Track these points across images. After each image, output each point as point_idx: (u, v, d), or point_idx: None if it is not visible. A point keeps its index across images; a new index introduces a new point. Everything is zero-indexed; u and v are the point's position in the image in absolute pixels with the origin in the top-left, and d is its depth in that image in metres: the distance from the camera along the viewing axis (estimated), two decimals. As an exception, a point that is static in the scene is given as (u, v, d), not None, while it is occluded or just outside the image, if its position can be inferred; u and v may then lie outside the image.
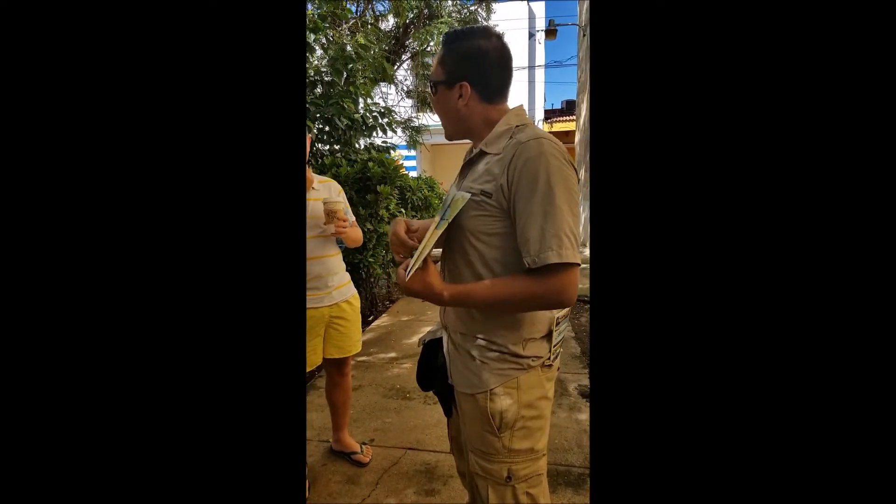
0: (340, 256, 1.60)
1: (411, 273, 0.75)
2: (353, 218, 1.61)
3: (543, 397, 0.85)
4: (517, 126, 0.82)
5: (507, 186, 0.75)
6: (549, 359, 0.84)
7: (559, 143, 0.77)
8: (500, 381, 0.81)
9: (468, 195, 0.77)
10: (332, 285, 1.53)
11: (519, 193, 0.74)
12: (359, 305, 1.66)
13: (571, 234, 0.71)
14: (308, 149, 1.53)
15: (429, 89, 0.89)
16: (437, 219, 0.77)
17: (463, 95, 0.84)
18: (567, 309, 0.85)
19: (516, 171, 0.74)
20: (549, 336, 0.84)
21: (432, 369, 0.96)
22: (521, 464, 0.83)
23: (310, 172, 1.54)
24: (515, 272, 0.77)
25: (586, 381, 2.30)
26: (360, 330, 1.66)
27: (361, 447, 1.73)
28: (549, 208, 0.71)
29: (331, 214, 1.41)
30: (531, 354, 0.82)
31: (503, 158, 0.77)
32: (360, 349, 1.66)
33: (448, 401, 0.96)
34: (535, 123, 0.92)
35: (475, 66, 0.83)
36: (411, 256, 0.79)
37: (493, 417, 0.82)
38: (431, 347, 0.98)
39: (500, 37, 0.85)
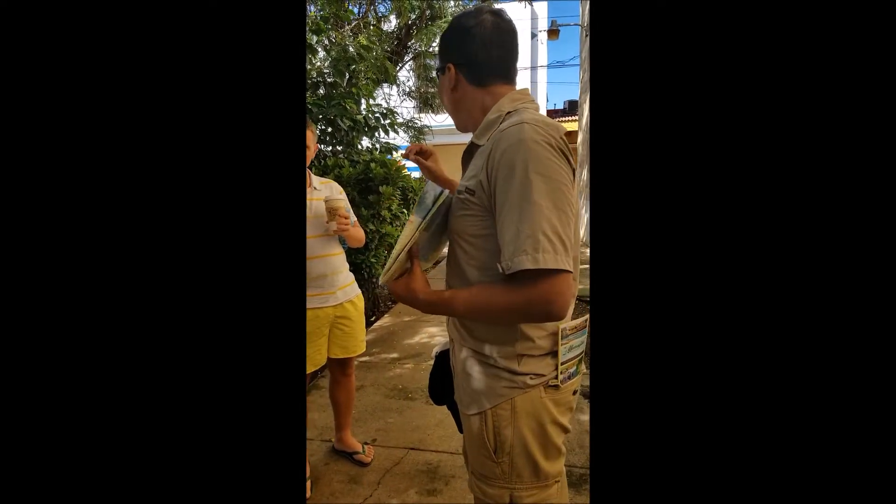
0: (344, 256, 1.61)
1: (388, 274, 0.71)
2: (355, 218, 1.62)
3: (550, 422, 0.73)
4: (508, 112, 0.72)
5: (488, 181, 0.66)
6: (554, 378, 0.73)
7: (552, 127, 0.66)
8: (493, 401, 0.73)
9: (447, 192, 0.71)
10: (337, 285, 1.54)
11: (497, 188, 0.64)
12: (363, 306, 1.66)
13: (554, 235, 0.60)
14: (314, 152, 1.55)
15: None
16: (416, 219, 0.70)
17: (450, 79, 0.77)
18: (581, 319, 0.76)
19: (495, 162, 0.65)
20: (552, 352, 0.73)
21: (444, 383, 0.89)
22: (524, 490, 0.74)
23: (310, 174, 1.56)
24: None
25: (588, 382, 2.30)
26: (365, 330, 1.67)
27: (363, 447, 1.74)
28: (524, 205, 0.61)
29: (332, 212, 1.43)
30: (528, 372, 0.71)
31: (487, 150, 0.68)
32: (364, 349, 1.66)
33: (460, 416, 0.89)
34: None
35: (458, 46, 0.76)
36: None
37: (488, 441, 0.74)
38: (444, 359, 0.91)
39: (494, 12, 0.77)
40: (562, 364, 0.73)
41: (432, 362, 0.95)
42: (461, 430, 0.92)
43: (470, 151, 0.78)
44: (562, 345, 0.73)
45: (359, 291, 1.66)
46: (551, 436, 0.74)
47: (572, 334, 0.74)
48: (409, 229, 0.70)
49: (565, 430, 0.76)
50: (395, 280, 0.74)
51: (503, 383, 0.72)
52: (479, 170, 0.69)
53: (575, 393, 0.77)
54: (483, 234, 0.70)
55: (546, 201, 0.61)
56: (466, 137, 0.83)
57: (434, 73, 0.94)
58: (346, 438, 1.75)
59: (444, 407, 0.94)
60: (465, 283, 0.74)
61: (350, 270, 1.65)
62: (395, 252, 0.69)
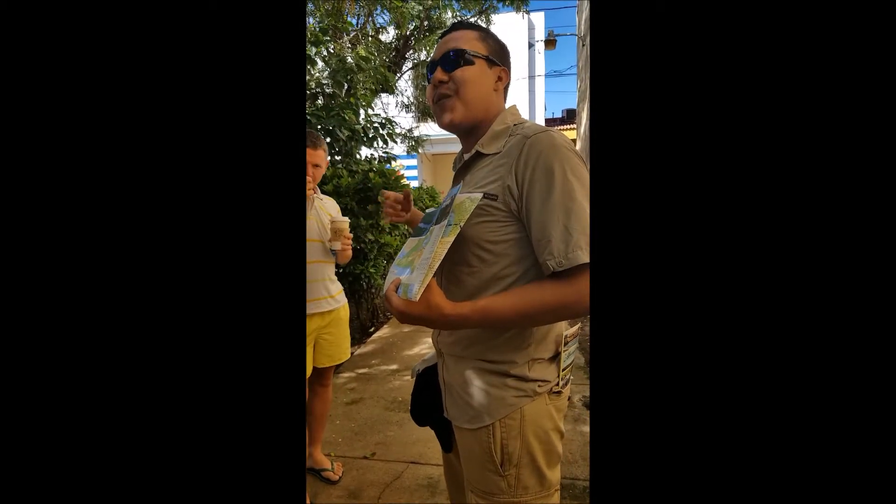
0: (334, 267, 1.65)
1: (419, 293, 0.60)
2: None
3: (553, 429, 0.75)
4: (514, 125, 0.76)
5: (517, 185, 0.68)
6: (557, 384, 0.75)
7: (566, 136, 0.71)
8: (503, 412, 0.72)
9: (479, 196, 0.67)
10: (325, 295, 1.58)
11: (533, 190, 0.67)
12: (348, 316, 1.69)
13: (589, 234, 0.63)
14: (324, 170, 1.63)
15: (453, 57, 0.76)
16: (442, 225, 0.65)
17: (502, 78, 0.80)
18: (576, 327, 0.78)
19: (528, 166, 0.67)
20: (556, 358, 0.75)
21: (427, 402, 0.87)
22: (530, 502, 0.74)
23: (317, 189, 1.64)
24: (531, 281, 0.69)
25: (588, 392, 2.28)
26: (349, 337, 1.69)
27: (332, 464, 1.71)
28: (570, 204, 0.64)
29: (338, 233, 1.50)
30: (538, 378, 0.73)
31: (507, 156, 0.71)
32: (348, 356, 1.69)
33: (447, 435, 0.87)
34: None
35: (508, 60, 0.82)
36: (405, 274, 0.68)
37: (495, 454, 0.73)
38: (426, 377, 0.89)
39: None
40: (562, 370, 0.75)
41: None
42: (447, 450, 0.91)
43: (471, 161, 0.79)
44: (563, 351, 0.75)
45: (345, 301, 1.70)
46: (554, 442, 0.75)
47: (570, 342, 0.77)
48: (442, 238, 0.63)
49: (563, 435, 0.78)
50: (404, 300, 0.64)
51: (513, 392, 0.72)
52: (500, 175, 0.70)
53: (569, 399, 0.80)
54: (503, 240, 0.71)
55: (584, 202, 0.65)
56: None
57: (468, 55, 0.72)
58: (315, 454, 1.71)
59: (440, 441, 0.91)
60: (472, 292, 0.73)
61: (349, 280, 1.68)
62: (429, 270, 0.61)
